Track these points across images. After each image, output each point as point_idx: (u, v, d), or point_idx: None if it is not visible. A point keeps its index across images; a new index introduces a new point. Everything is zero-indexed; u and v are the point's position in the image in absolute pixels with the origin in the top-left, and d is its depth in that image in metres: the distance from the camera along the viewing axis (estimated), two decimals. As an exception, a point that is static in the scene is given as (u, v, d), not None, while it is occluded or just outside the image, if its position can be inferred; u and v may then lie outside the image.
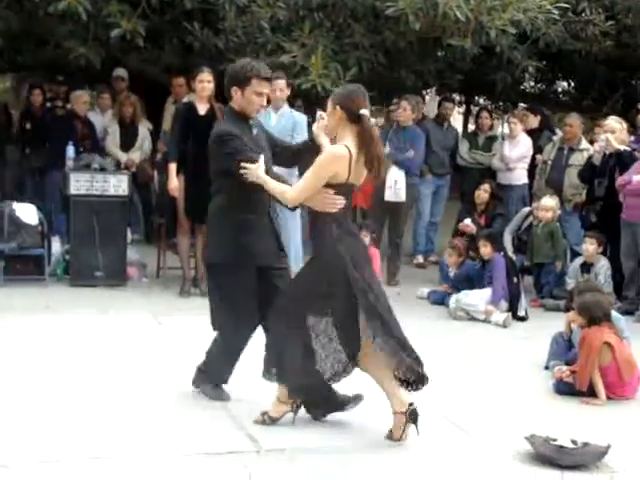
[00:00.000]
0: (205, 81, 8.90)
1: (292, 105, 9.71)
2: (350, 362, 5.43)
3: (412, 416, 5.30)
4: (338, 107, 5.29)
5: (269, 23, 10.36)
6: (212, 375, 6.05)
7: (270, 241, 5.83)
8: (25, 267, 9.26)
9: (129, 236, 10.08)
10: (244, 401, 5.90)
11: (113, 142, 11.58)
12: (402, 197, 10.21)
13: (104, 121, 11.98)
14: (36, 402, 5.72)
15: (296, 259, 9.16)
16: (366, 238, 9.70)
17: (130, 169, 11.08)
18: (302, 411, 5.61)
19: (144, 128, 11.90)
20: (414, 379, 5.37)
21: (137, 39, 10.36)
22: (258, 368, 5.72)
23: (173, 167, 8.99)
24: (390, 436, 5.39)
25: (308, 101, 12.11)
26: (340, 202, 5.28)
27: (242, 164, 5.48)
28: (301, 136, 9.09)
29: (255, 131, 5.87)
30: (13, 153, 12.57)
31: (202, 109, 8.96)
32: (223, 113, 8.85)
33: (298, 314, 5.37)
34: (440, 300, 9.39)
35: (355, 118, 5.25)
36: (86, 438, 5.15)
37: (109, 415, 5.56)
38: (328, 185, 5.22)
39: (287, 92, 9.08)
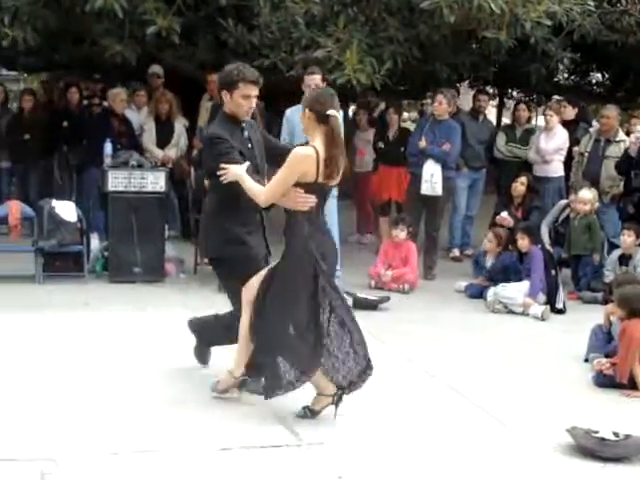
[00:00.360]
0: None
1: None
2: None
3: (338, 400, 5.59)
4: (307, 109, 5.51)
5: (304, 18, 10.33)
6: None
7: (260, 238, 6.06)
8: (64, 264, 9.35)
9: (166, 232, 10.14)
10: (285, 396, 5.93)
11: (149, 139, 11.67)
12: (438, 191, 10.20)
13: (140, 118, 12.06)
14: (79, 397, 5.79)
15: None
16: (402, 233, 9.73)
17: (166, 165, 11.15)
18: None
19: (180, 125, 11.97)
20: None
21: (172, 36, 10.39)
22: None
23: None
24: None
25: (343, 96, 12.11)
26: (311, 201, 5.43)
27: (222, 165, 5.64)
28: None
29: (247, 133, 5.99)
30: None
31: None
32: (261, 109, 8.96)
33: (278, 310, 5.49)
34: (477, 293, 9.37)
35: (323, 119, 5.43)
36: (133, 432, 5.22)
37: (152, 409, 5.62)
38: (298, 184, 5.40)
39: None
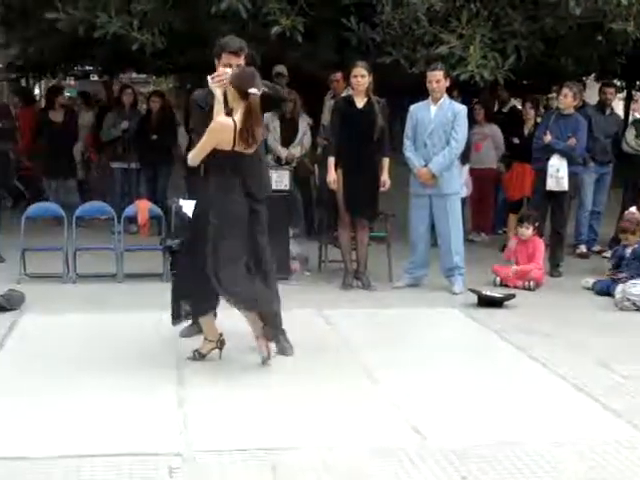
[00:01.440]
0: (359, 76, 8.93)
1: (451, 96, 9.64)
2: None
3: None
4: (231, 85, 6.20)
5: (426, 15, 10.31)
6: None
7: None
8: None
9: (290, 231, 10.22)
10: (410, 394, 5.94)
11: (274, 138, 11.78)
12: (564, 186, 10.03)
13: (265, 117, 12.15)
14: (205, 392, 5.88)
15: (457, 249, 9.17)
16: (529, 230, 9.62)
17: (291, 164, 11.25)
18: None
19: (304, 123, 12.04)
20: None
21: (296, 36, 10.49)
22: (420, 360, 5.73)
23: (332, 161, 9.12)
24: None
25: (466, 91, 12.05)
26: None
27: None
28: (461, 127, 9.07)
29: None
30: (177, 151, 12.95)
31: (359, 103, 9.02)
32: (382, 106, 8.97)
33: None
34: (605, 290, 9.18)
35: (244, 95, 6.15)
36: (259, 428, 5.26)
37: (279, 406, 5.66)
38: (216, 151, 6.19)
39: (445, 83, 9.01)
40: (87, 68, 27.45)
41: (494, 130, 12.47)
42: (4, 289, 8.38)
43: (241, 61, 6.59)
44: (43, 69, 22.43)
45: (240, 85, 6.17)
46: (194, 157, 6.28)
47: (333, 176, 9.08)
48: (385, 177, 9.04)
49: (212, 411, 5.55)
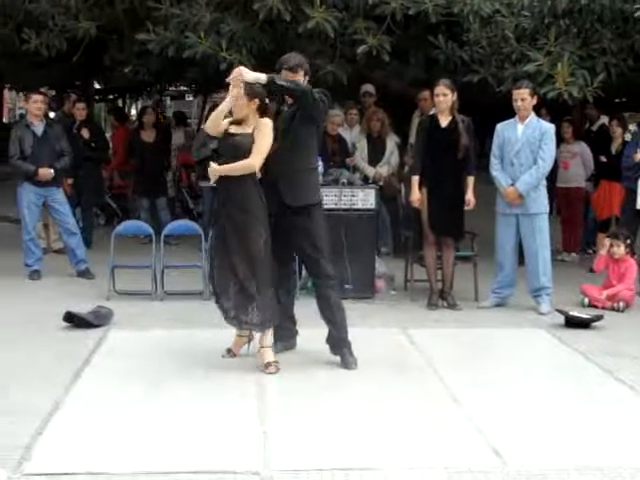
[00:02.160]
0: (441, 94, 8.92)
1: (539, 114, 9.54)
2: None
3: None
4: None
5: (514, 32, 10.26)
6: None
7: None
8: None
9: (377, 249, 10.21)
10: (492, 415, 5.88)
11: (361, 156, 11.81)
12: (655, 205, 9.87)
13: (353, 136, 12.23)
14: (281, 411, 5.91)
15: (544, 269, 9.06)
16: (620, 248, 9.45)
17: (378, 183, 11.26)
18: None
19: (392, 142, 12.05)
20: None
21: (383, 55, 10.52)
22: (503, 381, 5.65)
23: (415, 179, 9.11)
24: None
25: (555, 109, 11.91)
26: None
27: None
28: (549, 146, 8.97)
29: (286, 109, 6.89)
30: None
31: (443, 121, 9.00)
32: (467, 125, 8.94)
33: None
34: (698, 312, 9.00)
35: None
36: (338, 448, 5.25)
37: (359, 425, 5.64)
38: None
39: (532, 101, 8.92)
40: (182, 88, 27.95)
41: (583, 148, 12.29)
42: (93, 305, 8.54)
43: (298, 77, 6.73)
44: (138, 90, 22.94)
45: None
46: (260, 159, 6.61)
47: (417, 195, 9.06)
48: (470, 196, 8.98)
49: (292, 429, 5.56)
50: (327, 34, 10.18)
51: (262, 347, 6.81)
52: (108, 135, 16.31)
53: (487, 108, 15.71)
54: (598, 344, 7.81)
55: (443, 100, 8.91)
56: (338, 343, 7.00)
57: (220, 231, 6.83)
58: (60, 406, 5.93)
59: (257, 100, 6.58)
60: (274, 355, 6.80)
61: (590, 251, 12.48)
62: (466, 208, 9.02)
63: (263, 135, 6.58)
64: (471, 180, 9.03)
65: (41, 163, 10.36)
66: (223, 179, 6.62)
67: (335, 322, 6.99)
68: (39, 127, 10.56)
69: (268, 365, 6.70)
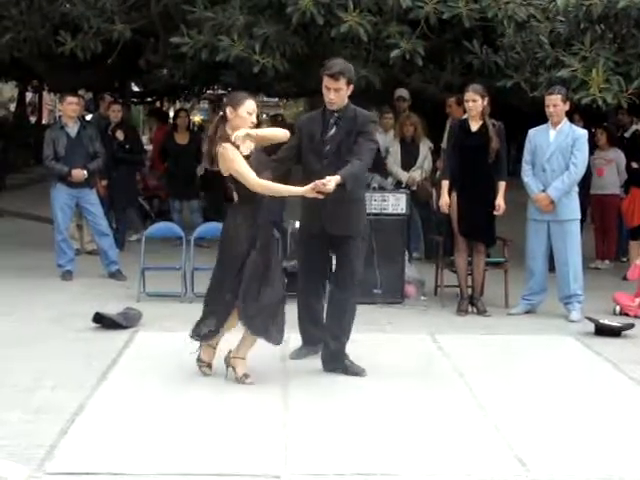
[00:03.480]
0: (470, 100, 8.89)
1: (572, 120, 9.47)
2: None
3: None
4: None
5: (548, 38, 10.20)
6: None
7: None
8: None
9: (408, 254, 10.17)
10: (517, 423, 5.84)
11: (394, 161, 11.78)
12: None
13: (386, 140, 12.19)
14: (293, 415, 5.90)
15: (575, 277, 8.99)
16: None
17: (411, 187, 11.23)
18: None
19: (425, 147, 12.01)
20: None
21: (416, 59, 10.48)
22: (530, 389, 5.60)
23: (445, 184, 9.11)
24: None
25: (590, 115, 11.83)
26: None
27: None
28: (581, 152, 8.90)
29: (331, 121, 6.76)
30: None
31: (474, 126, 8.98)
32: (498, 129, 8.89)
33: None
34: None
35: None
36: (363, 454, 5.22)
37: (382, 430, 5.61)
38: None
39: (564, 107, 8.86)
40: (220, 92, 28.07)
41: (618, 155, 12.18)
42: (123, 307, 8.57)
43: (340, 85, 6.58)
44: (175, 93, 23.05)
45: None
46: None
47: (446, 200, 9.04)
48: (500, 201, 8.92)
49: (314, 433, 5.55)
50: (360, 38, 10.15)
51: (236, 358, 6.62)
52: (146, 138, 16.39)
53: (524, 113, 15.62)
54: (627, 353, 7.74)
55: (473, 106, 8.87)
56: (338, 356, 6.85)
57: None
58: (85, 406, 5.95)
59: None
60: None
61: (624, 259, 12.36)
62: (495, 213, 8.96)
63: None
64: (502, 185, 8.97)
65: (74, 164, 10.43)
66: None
67: (342, 325, 6.87)
68: (73, 129, 10.63)
69: (246, 376, 6.53)
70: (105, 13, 11.46)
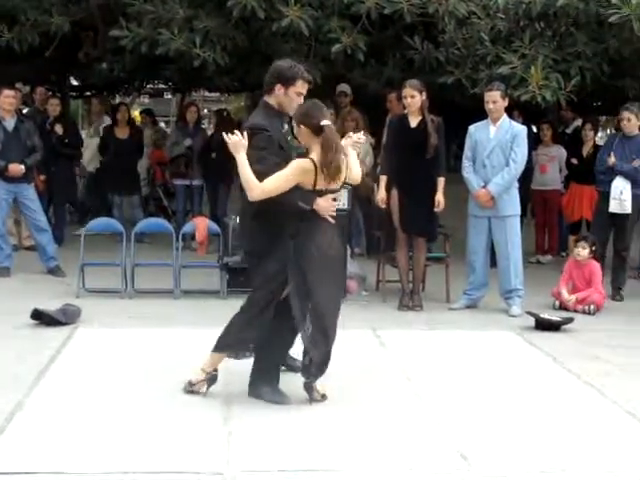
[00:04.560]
0: (408, 96, 8.91)
1: (511, 116, 9.53)
2: None
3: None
4: (301, 126, 5.84)
5: (489, 34, 10.27)
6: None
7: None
8: (249, 280, 9.46)
9: (350, 249, 10.18)
10: (459, 418, 5.86)
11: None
12: (627, 209, 9.85)
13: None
14: (250, 412, 5.86)
15: (515, 271, 9.06)
16: (585, 251, 9.46)
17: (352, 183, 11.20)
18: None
19: (366, 142, 11.99)
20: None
21: (358, 54, 10.49)
22: (470, 384, 5.63)
23: (383, 179, 9.17)
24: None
25: (529, 112, 11.92)
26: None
27: (227, 135, 5.80)
28: (520, 148, 8.96)
29: (286, 126, 6.15)
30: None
31: (413, 121, 9.00)
32: (437, 125, 8.91)
33: None
34: (667, 316, 9.02)
35: (318, 130, 5.73)
36: (305, 450, 5.21)
37: (323, 427, 5.61)
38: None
39: (503, 103, 8.92)
40: (161, 86, 27.85)
41: (561, 151, 12.32)
42: (62, 303, 8.46)
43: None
44: (115, 87, 22.80)
45: (313, 122, 5.77)
46: (267, 193, 5.71)
47: (382, 195, 9.08)
48: (439, 197, 8.95)
49: (256, 430, 5.52)
50: (302, 32, 10.12)
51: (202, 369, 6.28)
52: (85, 132, 16.18)
53: (465, 109, 15.71)
54: (567, 347, 7.82)
55: (411, 102, 8.90)
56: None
57: None
58: (23, 404, 5.86)
59: None
60: None
61: (564, 254, 12.50)
62: (435, 209, 8.99)
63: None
64: (441, 181, 8.99)
65: (12, 159, 10.27)
66: None
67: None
68: (10, 122, 10.47)
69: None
70: (43, 5, 11.31)
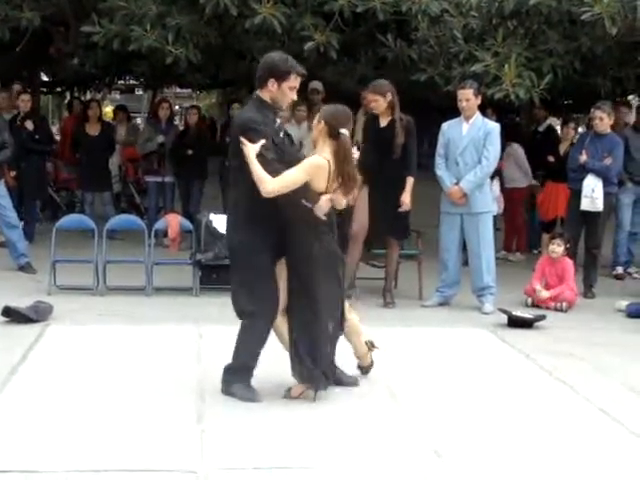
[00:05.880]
0: (372, 101, 8.93)
1: (484, 114, 9.56)
2: None
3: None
4: (323, 121, 5.82)
5: (462, 32, 10.29)
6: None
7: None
8: (221, 277, 9.45)
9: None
10: (432, 415, 5.87)
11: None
12: (599, 206, 9.89)
13: (300, 133, 12.15)
14: (228, 409, 5.85)
15: (488, 269, 9.09)
16: (559, 248, 9.51)
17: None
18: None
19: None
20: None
21: (330, 52, 10.48)
22: (443, 381, 5.63)
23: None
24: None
25: (500, 110, 11.95)
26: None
27: (242, 139, 5.70)
28: (493, 146, 8.98)
29: (279, 121, 6.12)
30: (216, 165, 12.96)
31: (383, 121, 8.99)
32: (406, 124, 8.89)
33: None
34: (638, 313, 9.05)
35: (335, 135, 5.71)
36: (279, 448, 5.19)
37: (297, 425, 5.60)
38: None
39: (476, 101, 8.93)
40: (132, 82, 27.74)
41: (514, 149, 12.29)
42: (33, 301, 8.40)
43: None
44: (86, 83, 22.71)
45: (335, 124, 5.78)
46: (278, 189, 5.62)
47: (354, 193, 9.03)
48: (405, 197, 8.92)
49: (230, 428, 5.49)
50: (274, 30, 10.11)
51: None
52: (55, 128, 16.11)
53: (438, 107, 15.74)
54: (539, 344, 7.85)
55: (375, 106, 8.91)
56: None
57: None
58: (-6, 403, 5.83)
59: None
60: None
61: (535, 251, 12.54)
62: (400, 210, 8.96)
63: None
64: (410, 181, 8.95)
65: (-19, 155, 10.19)
66: None
67: None
68: (-21, 118, 10.40)
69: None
70: (14, 0, 11.22)
